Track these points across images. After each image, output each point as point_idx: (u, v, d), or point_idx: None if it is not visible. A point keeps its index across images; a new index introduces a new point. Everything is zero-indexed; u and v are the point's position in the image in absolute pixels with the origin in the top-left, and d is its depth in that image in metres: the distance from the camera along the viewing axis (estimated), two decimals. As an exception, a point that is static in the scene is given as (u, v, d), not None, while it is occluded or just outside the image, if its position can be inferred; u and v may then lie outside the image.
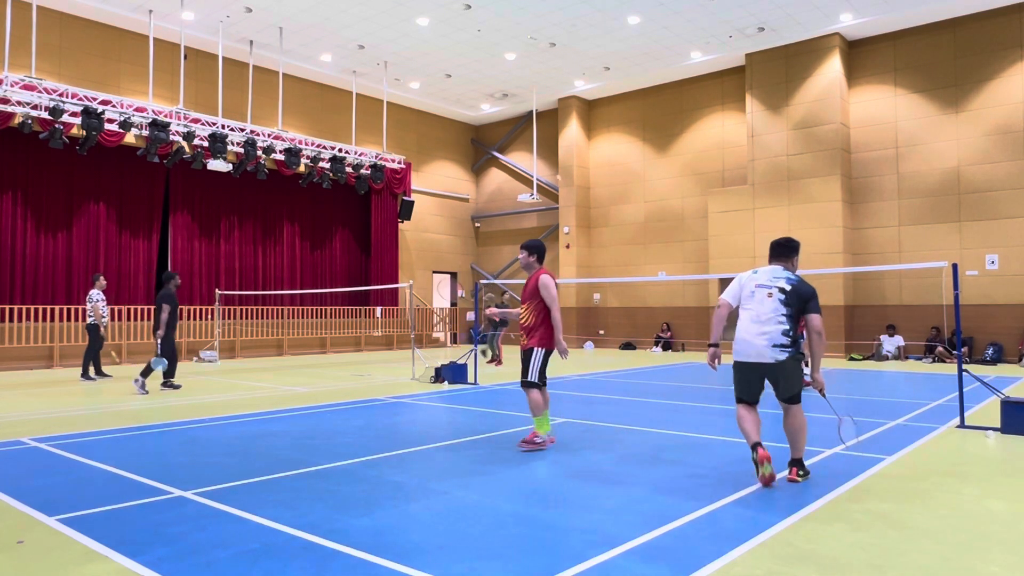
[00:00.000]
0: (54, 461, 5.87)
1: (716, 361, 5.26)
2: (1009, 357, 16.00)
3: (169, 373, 11.00)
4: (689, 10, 16.55)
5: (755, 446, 4.91)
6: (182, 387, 11.31)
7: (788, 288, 5.03)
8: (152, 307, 17.66)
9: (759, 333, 4.98)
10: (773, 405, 8.43)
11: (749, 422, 5.03)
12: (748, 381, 5.08)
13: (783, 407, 5.11)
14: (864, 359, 17.10)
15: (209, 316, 18.30)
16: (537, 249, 6.60)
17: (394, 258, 22.92)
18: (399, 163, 22.38)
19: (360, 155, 20.80)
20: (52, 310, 15.82)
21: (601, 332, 22.74)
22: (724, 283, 19.83)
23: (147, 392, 10.50)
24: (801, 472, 5.07)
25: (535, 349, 6.32)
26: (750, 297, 5.12)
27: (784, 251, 5.26)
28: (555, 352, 6.46)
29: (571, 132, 23.01)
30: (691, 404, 9.32)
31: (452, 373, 11.93)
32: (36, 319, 15.54)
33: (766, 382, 5.10)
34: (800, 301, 5.00)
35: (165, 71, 17.77)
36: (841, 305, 17.68)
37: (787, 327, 4.96)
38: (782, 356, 4.95)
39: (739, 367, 5.12)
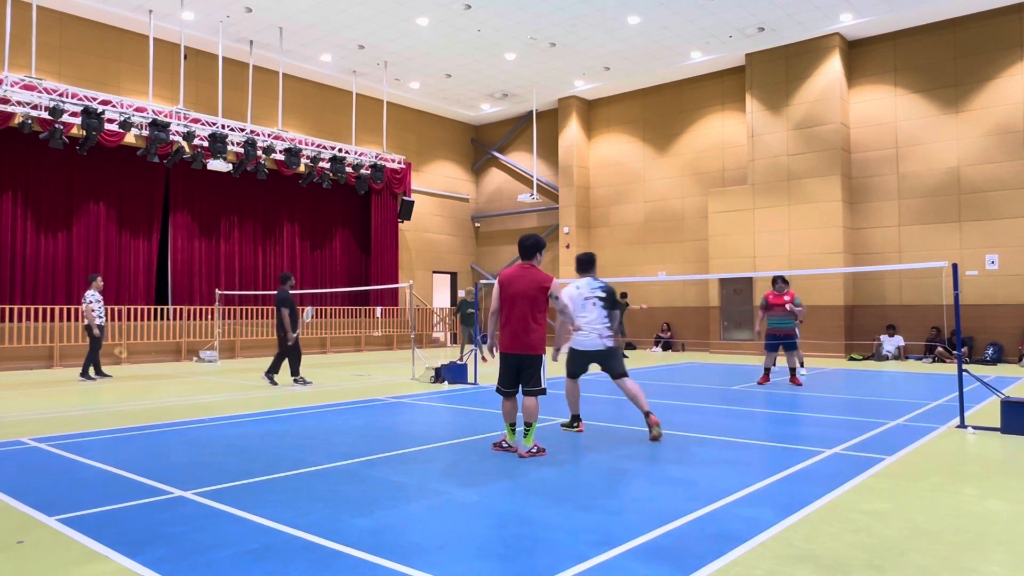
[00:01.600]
0: (54, 461, 5.87)
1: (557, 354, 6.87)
2: (1009, 357, 16.00)
3: (295, 370, 11.67)
4: (689, 10, 16.55)
5: (577, 417, 7.23)
6: (313, 383, 11.88)
7: (603, 295, 7.03)
8: (153, 307, 17.67)
9: (592, 331, 6.94)
10: (731, 401, 8.39)
11: (576, 394, 7.22)
12: (583, 363, 7.09)
13: (618, 383, 6.88)
14: (864, 359, 17.10)
15: (209, 316, 18.29)
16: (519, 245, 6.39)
17: (394, 258, 22.92)
18: (399, 163, 22.38)
19: (360, 155, 20.79)
20: (52, 310, 15.82)
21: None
22: (724, 283, 19.83)
23: (276, 384, 11.56)
24: (651, 415, 6.86)
25: None
26: (581, 307, 6.95)
27: (590, 266, 7.23)
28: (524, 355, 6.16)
29: (571, 132, 23.01)
30: (690, 404, 9.32)
31: (452, 373, 11.93)
32: (36, 319, 15.53)
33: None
34: (611, 302, 7.04)
35: (165, 71, 17.77)
36: (841, 305, 17.68)
37: (608, 323, 7.00)
38: (610, 343, 6.98)
39: (579, 354, 7.08)
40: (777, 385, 11.44)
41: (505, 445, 6.22)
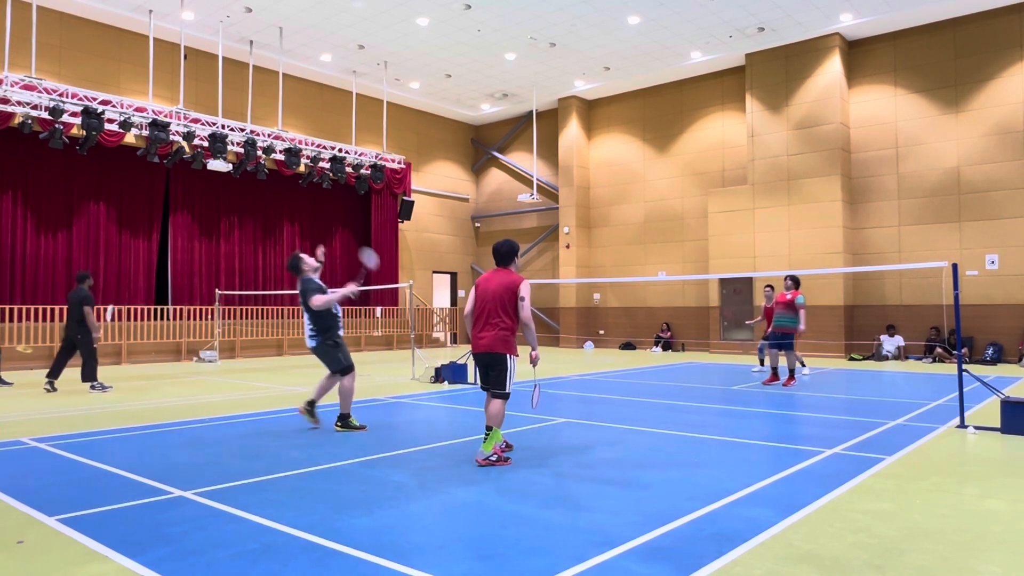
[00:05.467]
0: (54, 461, 5.87)
1: None
2: (1009, 357, 16.00)
3: (90, 375, 10.89)
4: (689, 10, 16.55)
5: (312, 402, 7.48)
6: (112, 388, 11.18)
7: (299, 291, 7.38)
8: (153, 307, 17.66)
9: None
10: (731, 401, 8.39)
11: (325, 386, 7.57)
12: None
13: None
14: (864, 359, 17.09)
15: (209, 316, 18.29)
16: None
17: (394, 258, 22.92)
18: (399, 163, 22.38)
19: (360, 155, 20.79)
20: (52, 310, 15.81)
21: (601, 332, 22.74)
22: (724, 283, 19.81)
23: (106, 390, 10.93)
24: (340, 424, 7.35)
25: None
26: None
27: (290, 267, 7.59)
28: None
29: (571, 132, 23.00)
30: (691, 404, 9.32)
31: (452, 373, 11.93)
32: (36, 319, 15.53)
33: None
34: (304, 298, 7.32)
35: (165, 71, 17.76)
36: (841, 305, 17.67)
37: (310, 324, 7.38)
38: (311, 343, 7.45)
39: None
40: (777, 385, 11.43)
41: (502, 447, 5.93)
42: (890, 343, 17.18)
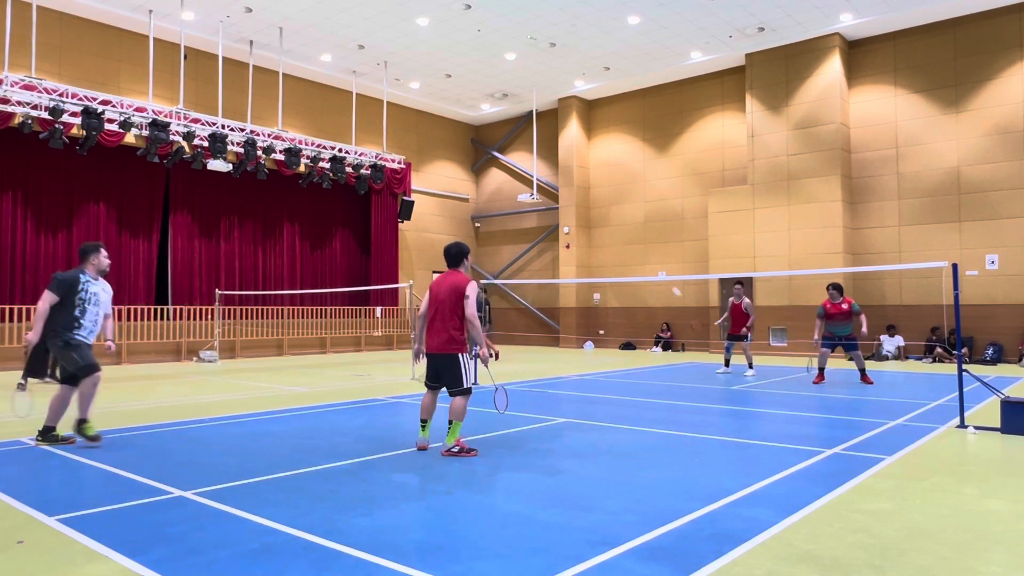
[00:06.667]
0: (54, 461, 5.87)
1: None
2: (1009, 357, 16.00)
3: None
4: (689, 10, 16.55)
5: (81, 420, 6.49)
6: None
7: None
8: (153, 307, 17.65)
9: None
10: (731, 401, 8.39)
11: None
12: None
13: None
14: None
15: (209, 316, 18.29)
16: None
17: (394, 258, 22.92)
18: (399, 163, 22.38)
19: (360, 155, 20.79)
20: (52, 310, 15.80)
21: (601, 332, 22.74)
22: (724, 283, 19.79)
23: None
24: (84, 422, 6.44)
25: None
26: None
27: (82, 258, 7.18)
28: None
29: (571, 132, 23.00)
30: (690, 404, 9.32)
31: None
32: (36, 319, 15.51)
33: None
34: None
35: (165, 71, 17.77)
36: (841, 305, 17.67)
37: None
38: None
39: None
40: (777, 385, 11.44)
41: (418, 445, 6.27)
42: (890, 343, 17.18)
